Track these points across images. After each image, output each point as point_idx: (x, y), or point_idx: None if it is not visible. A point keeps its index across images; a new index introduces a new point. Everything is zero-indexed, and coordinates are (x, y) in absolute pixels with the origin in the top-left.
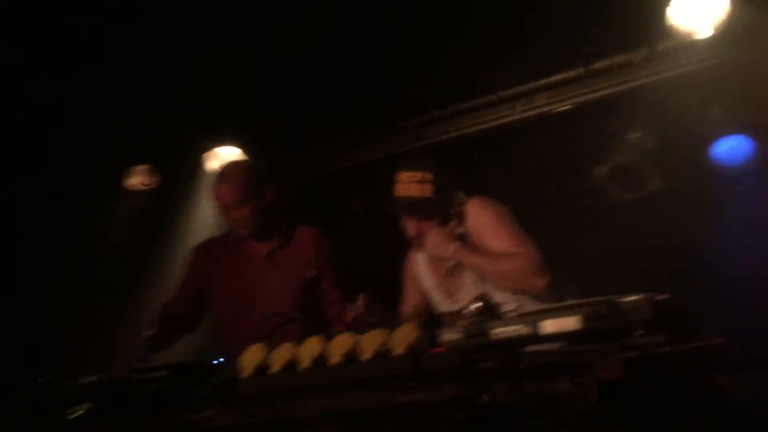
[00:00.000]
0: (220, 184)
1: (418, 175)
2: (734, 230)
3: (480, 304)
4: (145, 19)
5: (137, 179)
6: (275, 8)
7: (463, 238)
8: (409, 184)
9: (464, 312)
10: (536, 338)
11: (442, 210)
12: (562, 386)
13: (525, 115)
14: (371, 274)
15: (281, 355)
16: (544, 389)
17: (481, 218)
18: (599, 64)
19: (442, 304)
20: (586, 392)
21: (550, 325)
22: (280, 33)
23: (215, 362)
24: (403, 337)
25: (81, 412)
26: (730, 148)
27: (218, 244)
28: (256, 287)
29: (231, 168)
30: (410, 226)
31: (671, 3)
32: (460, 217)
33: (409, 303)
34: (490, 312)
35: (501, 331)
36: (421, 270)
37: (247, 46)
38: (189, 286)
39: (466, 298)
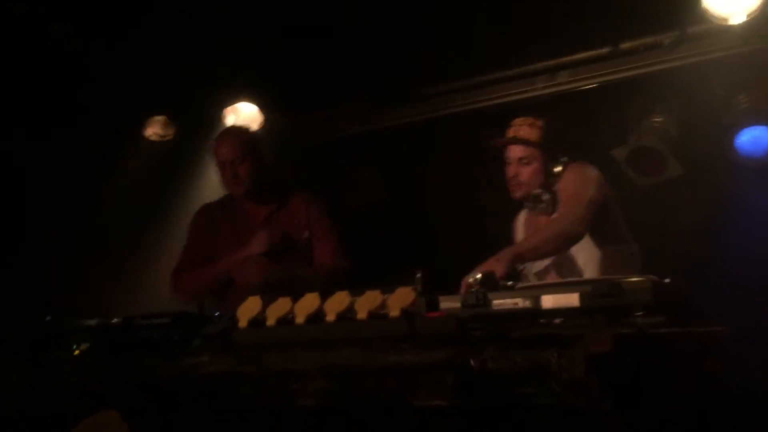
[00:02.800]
0: (221, 142)
1: (530, 119)
2: (752, 222)
3: (481, 275)
4: None
5: (153, 130)
6: None
7: (555, 195)
8: (520, 127)
9: (469, 281)
10: (534, 312)
11: (543, 161)
12: (551, 357)
13: (545, 91)
14: (377, 238)
15: (277, 309)
16: (532, 358)
17: (570, 182)
18: (626, 45)
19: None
20: (573, 364)
21: (549, 300)
22: None
23: (214, 314)
24: (400, 299)
25: (77, 352)
26: (754, 138)
27: (217, 208)
28: None
29: (232, 129)
30: (510, 168)
31: None
32: (559, 178)
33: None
34: (491, 283)
35: (500, 303)
36: (519, 231)
37: (273, 8)
38: (195, 250)
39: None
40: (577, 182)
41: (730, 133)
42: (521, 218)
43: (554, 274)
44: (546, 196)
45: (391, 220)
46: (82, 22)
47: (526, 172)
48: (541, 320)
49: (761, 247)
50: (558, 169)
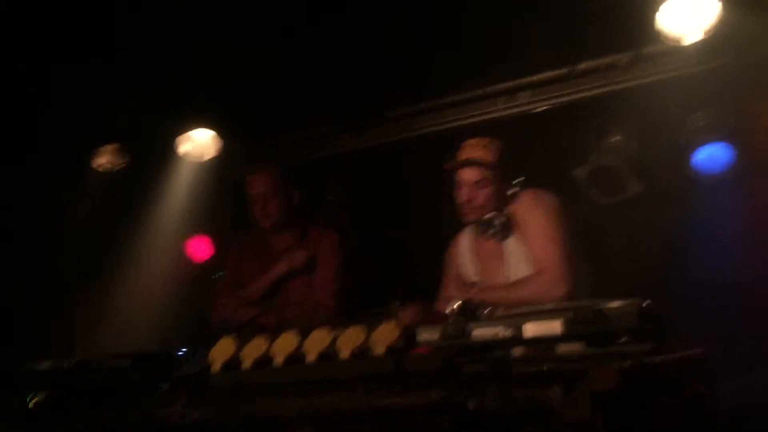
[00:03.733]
0: (256, 175)
1: (486, 140)
2: (711, 237)
3: (459, 303)
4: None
5: (105, 159)
6: None
7: (509, 220)
8: (475, 147)
9: (446, 311)
10: (517, 341)
11: (497, 184)
12: (554, 395)
13: (507, 112)
14: (346, 266)
15: (253, 350)
16: (534, 398)
17: (531, 212)
18: (584, 65)
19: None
20: (577, 402)
21: (531, 329)
22: (260, 20)
23: (180, 353)
24: (383, 336)
25: (36, 400)
26: (711, 155)
27: (248, 241)
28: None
29: (265, 166)
30: (464, 191)
31: (660, 7)
32: (512, 201)
33: (446, 294)
34: (469, 312)
35: (481, 333)
36: (464, 254)
37: (227, 32)
38: (229, 280)
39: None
40: (540, 216)
41: (687, 150)
42: (464, 241)
43: None
44: (498, 220)
45: (360, 247)
46: (30, 47)
47: (482, 196)
48: (526, 351)
49: (719, 264)
50: (511, 191)
